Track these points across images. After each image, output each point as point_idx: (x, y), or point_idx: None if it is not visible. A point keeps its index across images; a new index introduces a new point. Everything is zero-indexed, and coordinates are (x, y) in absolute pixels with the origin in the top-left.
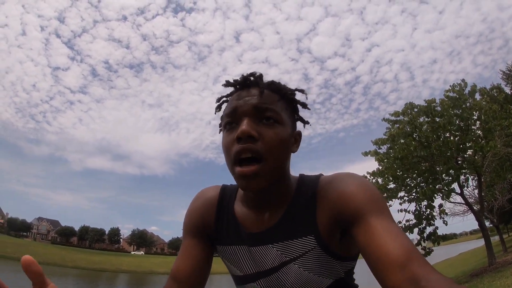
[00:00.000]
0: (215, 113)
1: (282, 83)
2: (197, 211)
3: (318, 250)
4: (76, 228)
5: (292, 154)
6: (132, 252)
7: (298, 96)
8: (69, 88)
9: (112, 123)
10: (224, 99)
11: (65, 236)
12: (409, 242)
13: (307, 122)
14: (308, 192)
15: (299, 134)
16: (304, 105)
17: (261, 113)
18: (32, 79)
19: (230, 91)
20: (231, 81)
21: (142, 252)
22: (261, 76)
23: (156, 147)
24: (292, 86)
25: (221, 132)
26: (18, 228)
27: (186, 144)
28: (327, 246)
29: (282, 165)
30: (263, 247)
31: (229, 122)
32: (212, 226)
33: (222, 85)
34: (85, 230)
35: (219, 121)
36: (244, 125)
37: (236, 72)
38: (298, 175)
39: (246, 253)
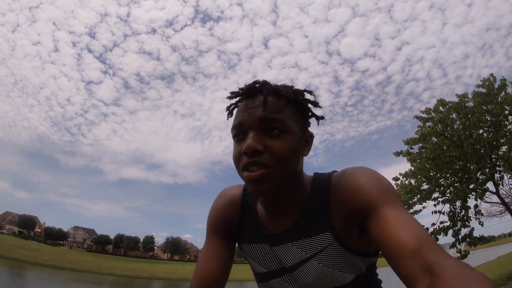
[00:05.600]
0: (227, 119)
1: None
2: (220, 209)
3: (335, 246)
4: (112, 237)
5: (308, 156)
6: None
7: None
8: (102, 101)
9: (145, 133)
10: (233, 106)
11: (100, 244)
12: (421, 229)
13: (322, 118)
14: (322, 190)
15: (311, 136)
16: (315, 104)
17: (266, 125)
18: (66, 93)
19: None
20: (237, 90)
21: None
22: (265, 83)
23: (189, 156)
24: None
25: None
26: (54, 237)
27: (219, 152)
28: (344, 242)
29: (292, 170)
30: (284, 246)
31: (237, 134)
32: (236, 224)
33: (227, 97)
34: (120, 238)
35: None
36: (250, 140)
37: (265, 79)
38: (312, 174)
39: (269, 251)
